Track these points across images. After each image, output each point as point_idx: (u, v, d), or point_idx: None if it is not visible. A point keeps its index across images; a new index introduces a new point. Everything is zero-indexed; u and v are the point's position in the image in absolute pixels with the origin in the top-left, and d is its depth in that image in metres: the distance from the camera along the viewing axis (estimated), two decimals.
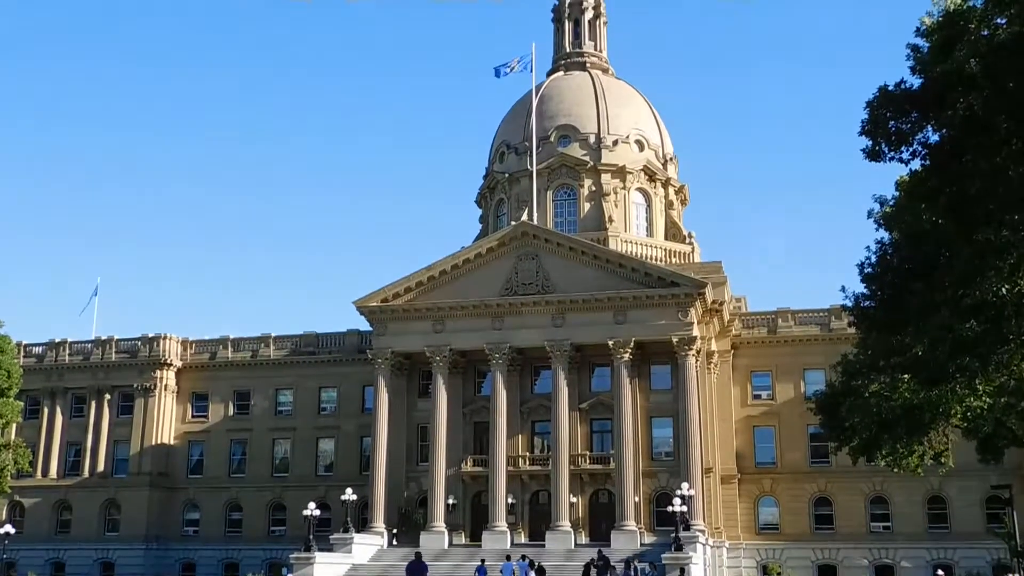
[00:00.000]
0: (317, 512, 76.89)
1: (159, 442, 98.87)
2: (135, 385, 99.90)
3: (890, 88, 28.42)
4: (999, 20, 25.13)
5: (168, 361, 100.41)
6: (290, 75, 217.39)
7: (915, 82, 28.29)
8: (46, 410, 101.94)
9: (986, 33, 25.23)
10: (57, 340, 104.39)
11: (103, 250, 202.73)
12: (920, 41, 28.49)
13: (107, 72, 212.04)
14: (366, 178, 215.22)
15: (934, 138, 28.50)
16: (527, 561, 65.21)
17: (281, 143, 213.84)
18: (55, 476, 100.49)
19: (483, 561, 64.34)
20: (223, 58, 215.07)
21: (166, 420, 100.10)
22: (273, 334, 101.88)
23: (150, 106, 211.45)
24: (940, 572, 76.82)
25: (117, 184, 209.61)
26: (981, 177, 25.57)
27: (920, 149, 28.72)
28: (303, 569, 70.55)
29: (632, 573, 65.03)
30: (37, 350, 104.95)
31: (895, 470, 50.59)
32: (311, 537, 73.95)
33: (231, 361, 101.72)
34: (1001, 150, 25.18)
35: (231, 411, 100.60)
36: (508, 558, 64.25)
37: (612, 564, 65.50)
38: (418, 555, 56.12)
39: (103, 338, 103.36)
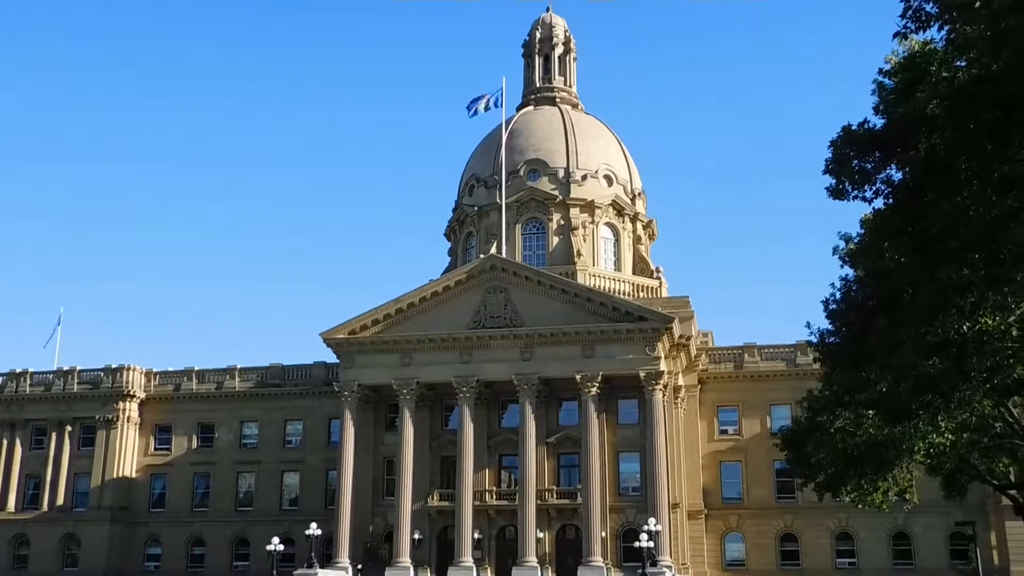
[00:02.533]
0: (281, 547, 75.95)
1: (120, 475, 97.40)
2: (97, 417, 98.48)
3: (853, 128, 28.75)
4: (959, 63, 25.55)
5: (131, 392, 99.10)
6: (258, 107, 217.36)
7: (878, 122, 28.66)
8: (5, 442, 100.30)
9: (947, 75, 25.62)
10: (18, 370, 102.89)
11: (67, 281, 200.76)
12: (885, 80, 28.89)
13: (70, 101, 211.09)
14: (335, 211, 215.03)
15: (897, 177, 28.83)
16: None
17: (249, 175, 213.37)
18: (13, 509, 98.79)
19: None
20: (190, 89, 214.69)
21: (128, 453, 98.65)
22: (239, 366, 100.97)
23: (112, 137, 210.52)
24: None
25: (82, 215, 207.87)
26: (943, 217, 25.86)
27: (883, 188, 28.99)
28: None
29: None
30: None
31: (860, 506, 50.98)
32: (275, 573, 73.03)
33: (195, 393, 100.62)
34: (962, 190, 25.48)
35: (195, 444, 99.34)
36: None
37: None
38: None
39: (65, 369, 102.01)
